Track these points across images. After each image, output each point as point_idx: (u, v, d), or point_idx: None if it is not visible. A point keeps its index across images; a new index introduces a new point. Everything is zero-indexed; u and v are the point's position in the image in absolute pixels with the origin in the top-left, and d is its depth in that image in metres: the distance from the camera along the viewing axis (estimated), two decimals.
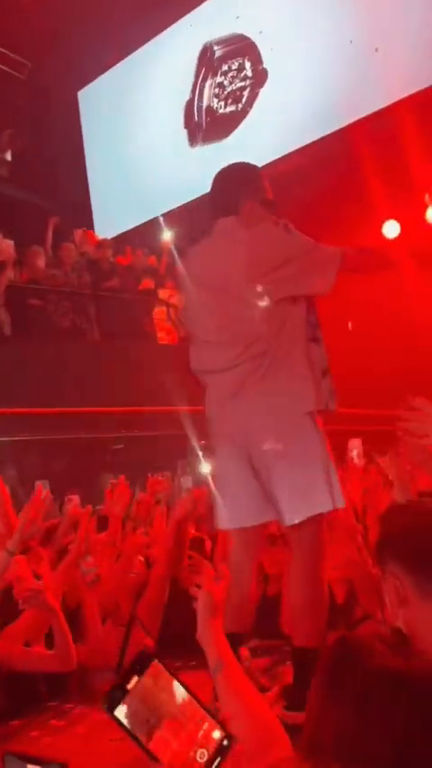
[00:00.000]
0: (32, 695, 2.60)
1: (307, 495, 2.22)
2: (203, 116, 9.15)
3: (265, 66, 8.50)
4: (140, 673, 1.01)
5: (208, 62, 9.09)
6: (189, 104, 9.27)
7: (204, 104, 9.12)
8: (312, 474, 2.22)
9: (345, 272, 2.40)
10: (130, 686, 1.00)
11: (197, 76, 9.18)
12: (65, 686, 2.68)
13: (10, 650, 2.54)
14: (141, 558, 3.31)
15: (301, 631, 2.26)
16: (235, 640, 2.17)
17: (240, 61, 8.77)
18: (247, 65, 8.71)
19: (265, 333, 2.27)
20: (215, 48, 9.00)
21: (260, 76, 8.55)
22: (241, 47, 8.74)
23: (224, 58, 8.97)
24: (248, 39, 8.61)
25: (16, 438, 7.00)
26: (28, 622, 2.70)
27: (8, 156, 9.50)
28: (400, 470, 2.36)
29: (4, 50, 9.55)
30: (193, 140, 9.12)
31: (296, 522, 2.22)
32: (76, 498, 5.62)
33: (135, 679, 1.01)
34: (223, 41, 8.91)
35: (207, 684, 1.35)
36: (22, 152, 9.68)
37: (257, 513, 2.32)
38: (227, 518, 2.40)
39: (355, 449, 4.15)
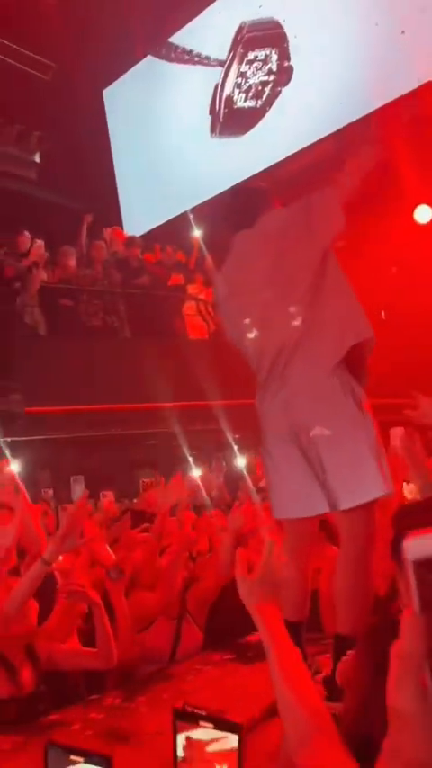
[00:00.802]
0: (73, 689, 2.62)
1: (359, 480, 2.23)
2: (222, 105, 9.08)
3: (290, 63, 8.37)
4: None
5: (236, 45, 8.99)
6: (215, 89, 9.20)
7: (225, 93, 9.05)
8: (363, 459, 2.23)
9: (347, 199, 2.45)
10: None
11: (227, 59, 9.11)
12: (104, 680, 2.70)
13: (51, 648, 2.56)
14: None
15: (345, 619, 2.24)
16: (295, 629, 2.17)
17: (267, 52, 8.65)
18: (274, 57, 8.58)
19: (301, 327, 2.32)
20: (246, 31, 8.89)
21: (284, 74, 8.43)
22: (271, 36, 8.61)
23: (252, 44, 8.86)
24: (280, 28, 8.48)
25: (51, 436, 7.09)
26: (60, 619, 2.72)
27: (36, 158, 9.60)
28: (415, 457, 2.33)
29: (28, 53, 9.64)
30: (213, 129, 9.06)
31: (348, 506, 2.24)
32: (110, 494, 5.67)
33: None
34: (256, 25, 8.79)
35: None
36: (50, 153, 9.77)
37: (312, 504, 2.34)
38: (280, 508, 2.45)
39: (398, 438, 4.08)
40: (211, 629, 3.13)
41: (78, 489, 5.80)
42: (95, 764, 0.91)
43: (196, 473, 5.56)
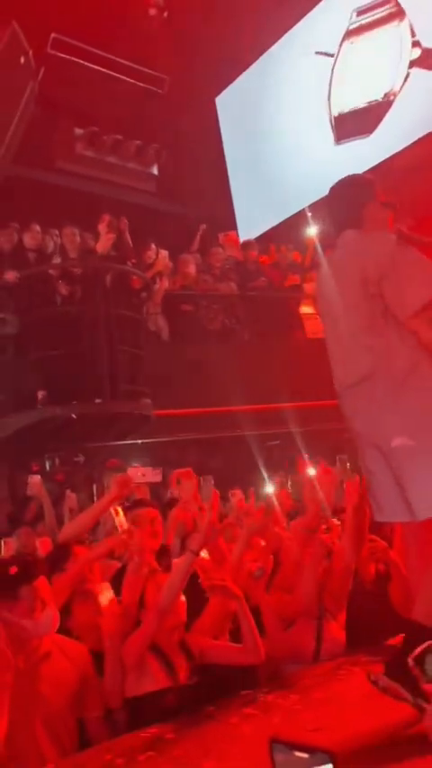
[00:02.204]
0: (225, 683, 2.74)
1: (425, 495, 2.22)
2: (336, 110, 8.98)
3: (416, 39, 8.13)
4: None
5: (345, 37, 8.87)
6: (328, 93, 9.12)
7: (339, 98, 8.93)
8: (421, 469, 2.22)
9: None
10: None
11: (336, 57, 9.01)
12: (255, 675, 2.80)
13: (202, 644, 2.71)
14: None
15: (418, 607, 2.24)
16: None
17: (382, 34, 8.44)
18: (389, 40, 8.36)
19: (381, 347, 2.32)
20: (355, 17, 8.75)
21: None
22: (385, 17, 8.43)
23: (361, 31, 8.71)
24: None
25: (177, 438, 7.35)
26: (213, 616, 2.86)
27: (155, 171, 9.95)
28: None
29: (142, 68, 10.02)
30: (336, 137, 8.96)
31: (425, 517, 2.24)
32: (239, 493, 5.79)
33: None
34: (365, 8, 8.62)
35: None
36: (167, 164, 10.09)
37: (394, 510, 2.35)
38: (375, 510, 2.48)
39: None
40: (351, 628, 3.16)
41: (208, 488, 5.98)
42: (320, 760, 0.98)
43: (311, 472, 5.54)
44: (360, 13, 8.64)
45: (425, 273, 2.29)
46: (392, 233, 2.48)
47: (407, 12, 8.14)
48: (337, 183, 2.62)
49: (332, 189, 2.62)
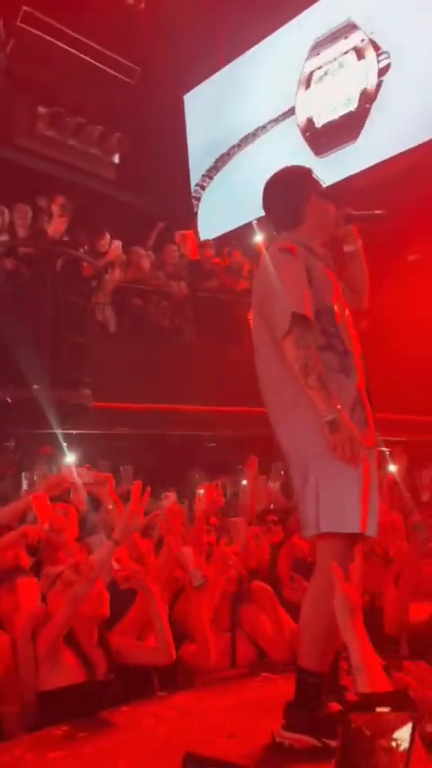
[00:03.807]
0: (143, 683, 2.70)
1: (321, 512, 2.07)
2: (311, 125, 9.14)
3: (380, 55, 8.37)
4: None
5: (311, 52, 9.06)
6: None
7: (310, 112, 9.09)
8: (330, 494, 2.07)
9: None
10: None
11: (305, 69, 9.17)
12: (174, 678, 2.77)
13: (120, 643, 2.65)
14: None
15: (301, 651, 2.16)
16: None
17: (344, 49, 8.65)
18: (350, 53, 8.60)
19: (279, 371, 2.16)
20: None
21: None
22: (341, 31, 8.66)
23: (323, 44, 8.89)
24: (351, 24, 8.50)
25: (112, 432, 7.25)
26: (135, 616, 2.81)
27: (116, 159, 9.82)
28: None
29: (114, 55, 9.88)
30: (316, 151, 9.08)
31: (309, 534, 2.13)
32: (172, 495, 5.74)
33: None
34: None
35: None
36: (129, 155, 9.98)
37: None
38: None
39: None
40: None
41: (127, 478, 5.88)
42: None
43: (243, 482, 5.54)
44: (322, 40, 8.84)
45: (293, 293, 2.11)
46: (339, 218, 2.35)
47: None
48: (270, 179, 2.34)
49: (266, 186, 2.35)
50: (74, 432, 6.97)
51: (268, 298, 2.18)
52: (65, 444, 7.01)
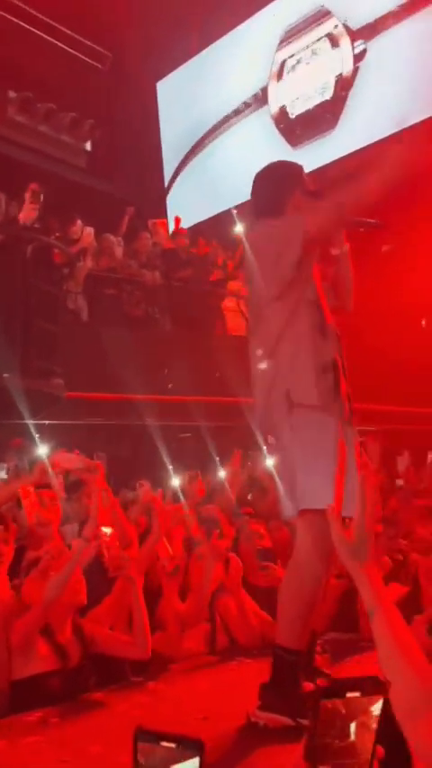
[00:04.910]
0: (116, 670, 2.68)
1: (298, 491, 2.10)
2: (286, 116, 9.11)
3: (355, 44, 8.35)
4: None
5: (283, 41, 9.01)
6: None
7: (284, 101, 9.05)
8: (307, 472, 2.09)
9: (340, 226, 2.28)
10: None
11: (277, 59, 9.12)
12: (146, 663, 2.75)
13: (94, 631, 2.62)
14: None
15: (279, 628, 2.18)
16: None
17: (316, 36, 8.64)
18: (324, 40, 8.58)
19: (274, 332, 2.22)
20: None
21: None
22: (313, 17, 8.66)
23: (295, 31, 8.87)
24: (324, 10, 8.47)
25: (85, 422, 7.18)
26: (111, 606, 2.78)
27: (87, 147, 9.69)
28: None
29: (85, 41, 9.74)
30: (292, 143, 9.03)
31: (288, 515, 2.16)
32: (147, 484, 5.71)
33: None
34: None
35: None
36: (101, 142, 9.86)
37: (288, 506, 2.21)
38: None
39: None
40: None
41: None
42: (187, 750, 0.93)
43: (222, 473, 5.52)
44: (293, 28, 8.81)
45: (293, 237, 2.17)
46: None
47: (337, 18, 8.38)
48: (262, 169, 2.46)
49: (256, 175, 2.46)
50: (46, 422, 6.89)
51: (260, 258, 2.24)
52: (36, 436, 6.93)
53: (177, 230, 8.60)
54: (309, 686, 2.09)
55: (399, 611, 1.18)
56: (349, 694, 1.01)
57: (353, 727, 1.01)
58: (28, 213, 6.05)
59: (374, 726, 1.01)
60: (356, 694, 1.01)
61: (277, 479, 2.19)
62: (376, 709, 1.02)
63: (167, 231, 8.66)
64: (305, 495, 2.07)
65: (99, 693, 2.49)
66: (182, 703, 2.41)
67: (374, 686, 1.01)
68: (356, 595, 2.98)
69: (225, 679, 2.63)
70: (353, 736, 1.01)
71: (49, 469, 3.12)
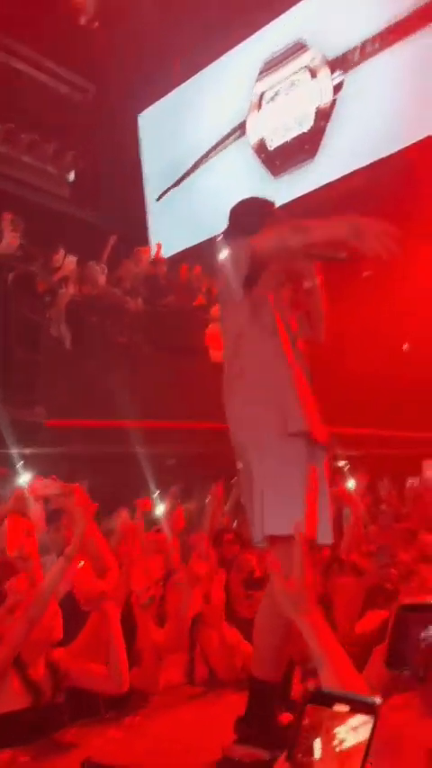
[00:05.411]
0: (91, 705, 2.59)
1: (265, 515, 2.04)
2: (265, 147, 9.27)
3: (333, 76, 8.54)
4: None
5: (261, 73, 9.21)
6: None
7: (263, 132, 9.22)
8: (275, 495, 2.04)
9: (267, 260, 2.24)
10: None
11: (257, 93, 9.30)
12: (122, 699, 2.66)
13: (69, 665, 2.55)
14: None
15: (255, 660, 2.13)
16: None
17: (294, 69, 8.83)
18: (303, 72, 8.78)
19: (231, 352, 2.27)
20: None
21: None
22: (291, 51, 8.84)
23: (273, 64, 9.07)
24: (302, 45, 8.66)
25: (69, 449, 7.10)
26: (87, 639, 2.71)
27: (70, 177, 9.78)
28: None
29: (67, 74, 9.91)
30: (274, 172, 9.17)
31: (257, 541, 2.09)
32: (124, 513, 5.64)
33: None
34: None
35: None
36: (84, 173, 9.95)
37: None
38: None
39: (430, 470, 4.07)
40: None
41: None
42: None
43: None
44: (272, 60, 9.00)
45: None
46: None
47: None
48: (237, 203, 2.53)
49: (231, 208, 2.53)
50: (27, 451, 6.82)
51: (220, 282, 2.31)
52: (18, 464, 6.84)
53: (157, 258, 8.66)
54: (286, 718, 2.03)
55: (348, 658, 1.16)
56: (337, 707, 0.99)
57: (335, 740, 0.98)
58: (9, 241, 6.08)
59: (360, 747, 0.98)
60: (345, 708, 0.99)
61: (246, 504, 2.14)
62: (363, 730, 0.98)
63: (147, 258, 8.73)
64: (273, 520, 2.01)
65: (73, 729, 2.41)
66: (158, 738, 2.34)
67: (365, 707, 0.99)
68: (338, 624, 2.95)
69: (204, 712, 2.56)
70: (336, 750, 0.98)
71: (28, 497, 3.07)
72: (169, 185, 10.29)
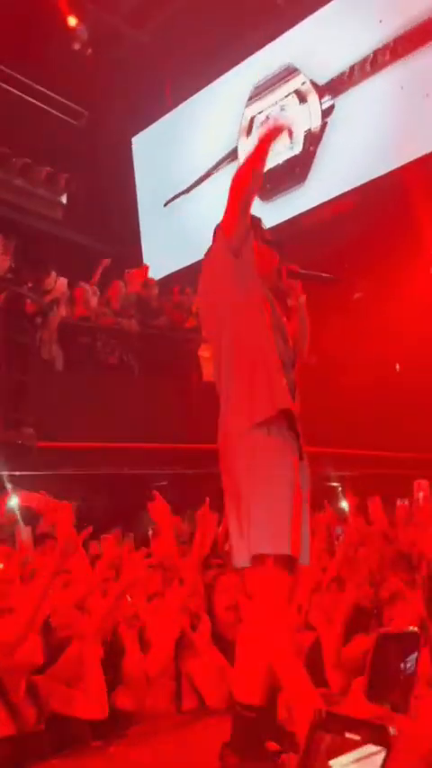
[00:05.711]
0: (75, 734, 2.53)
1: (252, 534, 1.96)
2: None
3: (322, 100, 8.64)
4: None
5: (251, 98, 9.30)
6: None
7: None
8: (264, 513, 1.96)
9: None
10: None
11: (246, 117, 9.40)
12: (108, 728, 2.60)
13: (51, 689, 2.49)
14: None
15: (238, 684, 2.08)
16: None
17: (284, 93, 8.96)
18: (292, 96, 8.90)
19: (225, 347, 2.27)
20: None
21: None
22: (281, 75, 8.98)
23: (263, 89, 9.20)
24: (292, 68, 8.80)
25: (61, 472, 7.04)
26: (69, 663, 2.66)
27: (63, 199, 9.83)
28: None
29: (61, 99, 10.02)
30: (263, 197, 9.24)
31: (240, 565, 2.00)
32: (111, 537, 5.57)
33: None
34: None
35: None
36: (77, 195, 10.02)
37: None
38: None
39: (421, 491, 4.06)
40: None
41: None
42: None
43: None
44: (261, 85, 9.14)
45: None
46: (282, 272, 2.44)
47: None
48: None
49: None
50: (17, 473, 6.76)
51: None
52: (8, 487, 6.77)
53: (146, 280, 8.69)
54: (273, 746, 1.98)
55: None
56: (348, 735, 0.94)
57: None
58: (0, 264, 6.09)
59: None
60: (356, 737, 0.94)
61: (229, 523, 2.07)
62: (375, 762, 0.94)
63: (140, 279, 8.76)
64: (258, 538, 1.95)
65: (55, 760, 2.35)
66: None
67: (378, 735, 0.94)
68: (323, 648, 2.90)
69: (189, 741, 2.50)
70: None
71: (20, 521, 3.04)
72: (164, 204, 10.37)
